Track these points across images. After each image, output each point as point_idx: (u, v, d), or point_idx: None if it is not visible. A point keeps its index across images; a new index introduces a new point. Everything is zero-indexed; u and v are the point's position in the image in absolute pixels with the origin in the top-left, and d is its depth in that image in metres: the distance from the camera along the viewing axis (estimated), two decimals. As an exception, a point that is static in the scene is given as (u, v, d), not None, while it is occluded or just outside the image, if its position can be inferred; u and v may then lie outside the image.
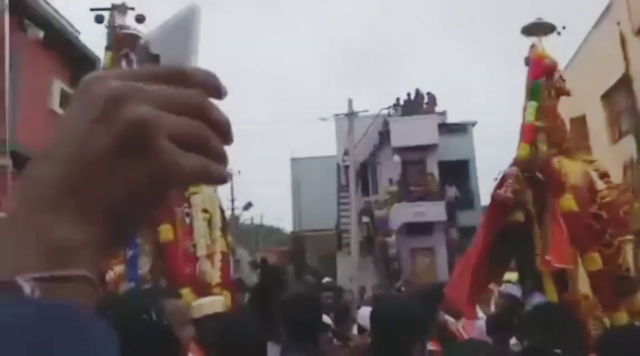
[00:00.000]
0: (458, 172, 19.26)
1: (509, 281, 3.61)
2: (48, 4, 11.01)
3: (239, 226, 30.30)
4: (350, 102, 17.39)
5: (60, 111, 10.33)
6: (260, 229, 32.63)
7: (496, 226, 3.10)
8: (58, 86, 10.96)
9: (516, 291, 3.36)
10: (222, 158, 0.36)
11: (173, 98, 0.35)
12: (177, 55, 0.40)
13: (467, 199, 18.96)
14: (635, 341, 1.90)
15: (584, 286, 3.01)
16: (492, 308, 4.12)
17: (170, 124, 0.33)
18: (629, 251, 3.18)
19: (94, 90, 0.34)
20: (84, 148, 0.33)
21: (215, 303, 2.65)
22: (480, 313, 3.85)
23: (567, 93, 3.55)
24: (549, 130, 3.33)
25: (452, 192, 18.40)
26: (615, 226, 3.04)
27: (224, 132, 0.37)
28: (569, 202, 2.97)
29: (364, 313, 3.41)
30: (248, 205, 27.98)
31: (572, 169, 3.15)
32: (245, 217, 31.70)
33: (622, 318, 2.85)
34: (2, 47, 8.18)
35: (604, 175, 3.25)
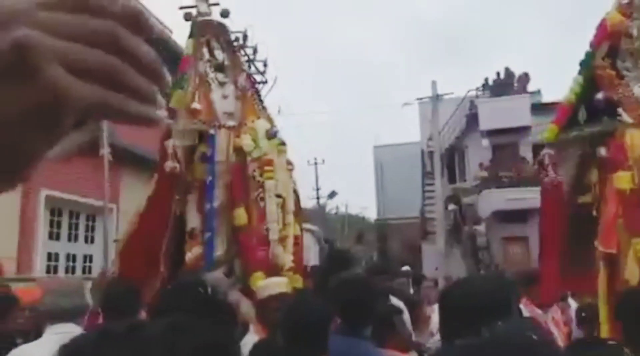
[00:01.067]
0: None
1: None
2: (140, 4, 11.82)
3: (325, 215, 30.78)
4: (434, 84, 16.79)
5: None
6: (346, 218, 32.85)
7: (561, 212, 2.83)
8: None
9: None
10: (144, 97, 0.33)
11: (70, 24, 0.32)
12: None
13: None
14: None
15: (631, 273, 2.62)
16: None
17: (60, 49, 0.31)
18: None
19: None
20: None
21: (279, 283, 2.68)
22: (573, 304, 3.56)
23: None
24: (620, 100, 2.92)
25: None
26: None
27: (147, 69, 0.33)
28: (623, 179, 2.62)
29: None
30: (332, 194, 28.31)
31: (638, 141, 2.75)
32: (331, 206, 32.13)
33: None
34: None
35: None
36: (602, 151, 2.82)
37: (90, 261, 9.23)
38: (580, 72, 3.09)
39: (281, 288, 2.56)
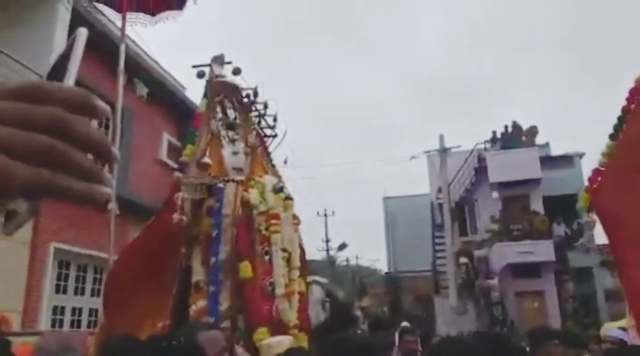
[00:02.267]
0: (566, 207, 17.72)
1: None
2: (156, 62, 12.33)
3: (335, 267, 30.33)
4: (441, 138, 16.99)
5: (168, 161, 11.33)
6: (356, 270, 32.31)
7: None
8: (166, 138, 12.09)
9: (622, 334, 2.95)
10: (86, 174, 0.35)
11: (13, 112, 0.34)
12: (57, 76, 0.40)
13: (577, 237, 17.30)
14: None
15: None
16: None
17: (5, 136, 0.33)
18: None
19: None
20: None
21: (283, 342, 2.63)
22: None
23: None
24: None
25: (560, 229, 16.92)
26: None
27: (94, 149, 0.35)
28: None
29: None
30: (342, 246, 28.04)
31: None
32: (342, 258, 31.71)
33: None
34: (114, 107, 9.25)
35: None
36: None
37: (96, 315, 9.11)
38: (611, 137, 3.10)
39: (285, 347, 2.51)
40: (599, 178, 2.92)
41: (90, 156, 0.36)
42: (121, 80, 5.23)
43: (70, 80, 0.39)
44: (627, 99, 3.03)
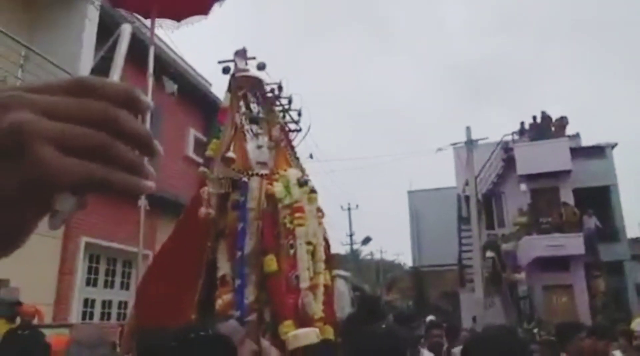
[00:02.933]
0: (597, 199, 17.25)
1: None
2: (183, 60, 12.47)
3: (359, 261, 30.32)
4: (468, 130, 16.72)
5: (195, 157, 11.49)
6: (381, 264, 32.26)
7: None
8: (193, 134, 12.25)
9: None
10: (134, 169, 0.36)
11: (64, 106, 0.35)
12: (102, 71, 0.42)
13: (609, 230, 16.84)
14: None
15: None
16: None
17: (53, 130, 0.34)
18: None
19: None
20: None
21: (310, 334, 2.63)
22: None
23: None
24: None
25: (591, 222, 16.48)
26: None
27: (139, 143, 0.36)
28: None
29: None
30: (367, 240, 28.02)
31: None
32: (366, 252, 31.68)
33: None
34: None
35: None
36: None
37: (125, 307, 9.33)
38: None
39: (313, 340, 2.51)
40: None
41: (135, 150, 0.37)
42: (150, 82, 5.31)
43: (115, 76, 0.40)
44: None
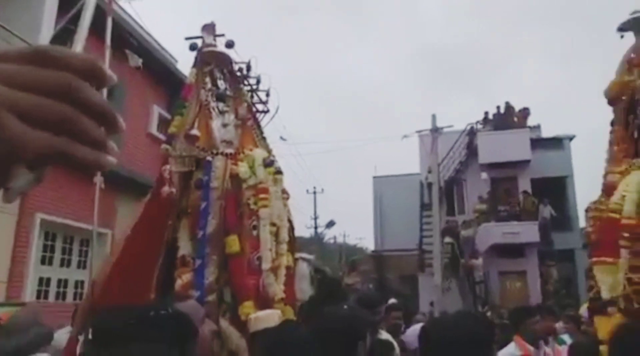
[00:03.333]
0: (554, 189, 17.93)
1: None
2: (150, 35, 12.06)
3: (323, 244, 30.58)
4: (434, 117, 16.97)
5: (159, 135, 11.20)
6: (343, 248, 32.65)
7: None
8: (157, 111, 11.92)
9: None
10: (96, 143, 0.35)
11: (27, 76, 0.33)
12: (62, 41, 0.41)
13: (563, 219, 17.57)
14: None
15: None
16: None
17: (16, 99, 0.32)
18: None
19: None
20: None
21: (272, 316, 2.63)
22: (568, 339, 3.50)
23: None
24: None
25: (546, 211, 17.15)
26: None
27: (101, 117, 0.35)
28: None
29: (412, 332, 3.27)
30: (330, 224, 28.25)
31: None
32: (329, 236, 31.98)
33: None
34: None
35: None
36: None
37: (82, 287, 9.11)
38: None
39: (275, 321, 2.51)
40: None
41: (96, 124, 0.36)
42: (108, 53, 5.11)
43: (78, 47, 0.39)
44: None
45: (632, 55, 3.17)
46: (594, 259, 2.73)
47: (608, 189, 2.84)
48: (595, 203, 2.88)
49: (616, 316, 2.56)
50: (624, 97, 3.14)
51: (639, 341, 1.92)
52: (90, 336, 1.31)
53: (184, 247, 3.02)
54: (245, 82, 12.51)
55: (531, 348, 3.29)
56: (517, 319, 3.64)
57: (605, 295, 2.62)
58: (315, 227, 28.39)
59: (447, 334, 1.45)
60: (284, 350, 1.78)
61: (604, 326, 2.56)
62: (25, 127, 0.32)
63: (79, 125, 0.34)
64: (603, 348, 2.42)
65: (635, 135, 3.05)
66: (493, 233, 16.54)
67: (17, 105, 0.32)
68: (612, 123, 3.19)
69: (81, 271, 9.32)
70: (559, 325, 5.35)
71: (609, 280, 2.63)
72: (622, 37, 3.31)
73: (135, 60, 10.16)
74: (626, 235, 2.61)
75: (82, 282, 9.12)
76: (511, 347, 3.34)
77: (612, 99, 3.19)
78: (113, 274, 2.86)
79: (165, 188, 3.16)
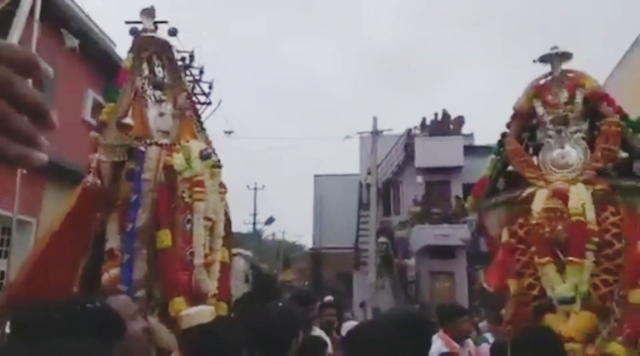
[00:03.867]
0: (483, 195, 18.85)
1: None
2: (86, 15, 11.42)
3: (261, 241, 30.39)
4: (375, 120, 17.34)
5: (93, 121, 10.64)
6: (282, 245, 32.62)
7: None
8: (92, 96, 11.31)
9: None
10: (28, 139, 0.34)
11: None
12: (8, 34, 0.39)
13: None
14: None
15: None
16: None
17: None
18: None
19: None
20: None
21: (204, 313, 2.58)
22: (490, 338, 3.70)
23: None
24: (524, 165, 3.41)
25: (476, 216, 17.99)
26: None
27: (33, 112, 0.34)
28: None
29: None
30: (270, 220, 28.09)
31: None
32: (268, 232, 31.82)
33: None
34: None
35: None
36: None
37: (2, 277, 8.49)
38: (495, 152, 3.62)
39: (207, 318, 2.46)
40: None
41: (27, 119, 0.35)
42: (36, 28, 4.77)
43: (15, 37, 0.38)
44: (511, 120, 3.46)
45: (541, 82, 3.56)
46: (570, 258, 2.89)
47: (559, 194, 3.08)
48: (549, 203, 3.06)
49: (583, 313, 2.78)
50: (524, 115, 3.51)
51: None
52: (8, 330, 1.22)
53: (112, 240, 2.89)
54: (188, 72, 12.18)
55: (457, 345, 3.44)
56: (446, 316, 3.79)
57: (561, 292, 2.82)
58: (254, 223, 28.15)
59: (370, 341, 1.49)
60: (216, 348, 1.75)
61: (560, 323, 2.76)
62: None
63: (11, 122, 0.33)
64: (570, 346, 2.59)
65: (531, 151, 3.46)
66: (426, 234, 17.15)
67: None
68: (505, 135, 3.55)
69: (2, 261, 8.69)
70: (482, 324, 5.64)
71: (573, 280, 2.84)
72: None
73: (72, 41, 9.60)
74: (596, 240, 2.89)
75: (3, 272, 8.50)
76: (437, 343, 3.48)
77: (517, 113, 3.55)
78: (36, 266, 2.68)
79: (90, 178, 3.00)
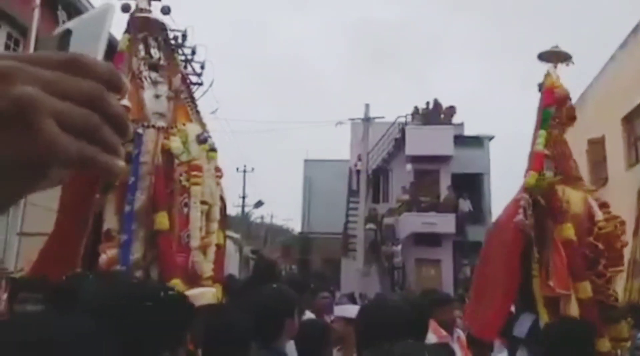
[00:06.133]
0: (471, 185, 19.05)
1: None
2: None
3: (249, 224, 30.43)
4: (367, 107, 17.34)
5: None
6: (270, 228, 32.70)
7: (519, 251, 3.12)
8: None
9: None
10: (113, 150, 0.38)
11: (64, 83, 0.37)
12: (85, 48, 0.44)
13: (478, 213, 18.75)
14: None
15: (573, 311, 2.99)
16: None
17: (56, 107, 0.35)
18: (619, 282, 3.26)
19: None
20: None
21: (205, 294, 2.63)
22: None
23: (573, 121, 3.58)
24: (556, 158, 3.36)
25: (466, 205, 18.20)
26: (609, 257, 3.07)
27: (118, 126, 0.38)
28: (568, 231, 3.05)
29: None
30: (259, 203, 28.09)
31: (573, 198, 3.28)
32: (256, 215, 31.85)
33: (605, 344, 2.89)
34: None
35: (603, 206, 3.36)
36: (541, 200, 3.19)
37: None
38: (543, 127, 3.44)
39: (209, 300, 2.51)
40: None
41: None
42: (37, 14, 4.72)
43: (99, 54, 0.43)
44: (546, 98, 3.40)
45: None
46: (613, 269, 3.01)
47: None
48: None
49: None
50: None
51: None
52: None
53: (109, 221, 2.91)
54: (180, 52, 12.04)
55: (444, 332, 3.53)
56: (434, 303, 3.87)
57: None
58: (243, 206, 28.15)
59: (387, 316, 1.54)
60: (227, 337, 1.80)
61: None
62: (61, 131, 0.35)
63: (102, 133, 0.37)
64: None
65: None
66: (413, 222, 17.32)
67: (58, 112, 0.35)
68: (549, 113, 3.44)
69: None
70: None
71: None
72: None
73: (62, 17, 9.43)
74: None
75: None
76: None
77: (558, 98, 3.47)
78: (44, 249, 2.72)
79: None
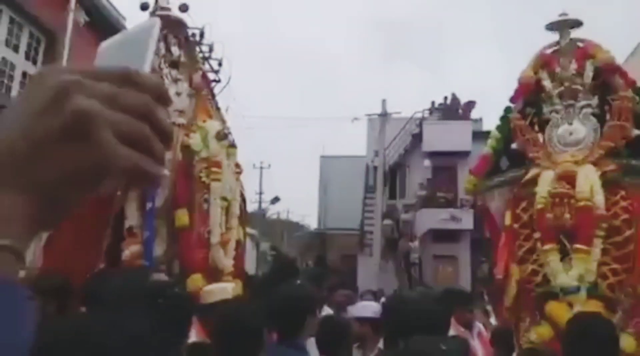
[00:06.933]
0: (489, 181, 18.82)
1: None
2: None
3: (266, 219, 30.58)
4: (384, 102, 17.23)
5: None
6: (286, 224, 32.79)
7: None
8: (101, 71, 11.28)
9: None
10: (160, 161, 0.40)
11: (120, 97, 0.39)
12: (132, 62, 0.45)
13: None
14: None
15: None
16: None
17: (114, 119, 0.37)
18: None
19: (47, 80, 0.39)
20: (31, 130, 0.37)
21: (225, 289, 2.65)
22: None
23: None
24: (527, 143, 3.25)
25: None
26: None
27: (164, 137, 0.40)
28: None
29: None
30: (275, 200, 28.18)
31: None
32: (272, 211, 31.99)
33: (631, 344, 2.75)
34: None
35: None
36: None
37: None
38: (497, 128, 3.40)
39: (228, 294, 2.53)
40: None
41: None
42: (71, 16, 4.77)
43: (146, 67, 0.44)
44: (514, 93, 3.29)
45: (548, 51, 3.32)
46: (576, 246, 2.78)
47: (565, 177, 2.94)
48: (554, 187, 2.92)
49: (589, 303, 2.69)
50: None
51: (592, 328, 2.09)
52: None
53: (132, 218, 2.95)
54: (198, 49, 12.11)
55: (462, 328, 3.50)
56: (455, 302, 3.84)
57: (564, 282, 2.74)
58: (260, 202, 28.28)
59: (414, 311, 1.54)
60: (239, 332, 1.80)
61: (564, 312, 2.67)
62: (119, 143, 0.37)
63: (152, 144, 0.39)
64: None
65: (536, 127, 3.24)
66: (431, 218, 17.18)
67: (115, 124, 0.37)
68: (508, 110, 3.36)
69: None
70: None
71: (579, 269, 2.73)
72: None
73: (81, 16, 9.55)
74: (604, 226, 2.75)
75: None
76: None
77: (522, 86, 3.31)
78: (61, 242, 2.76)
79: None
